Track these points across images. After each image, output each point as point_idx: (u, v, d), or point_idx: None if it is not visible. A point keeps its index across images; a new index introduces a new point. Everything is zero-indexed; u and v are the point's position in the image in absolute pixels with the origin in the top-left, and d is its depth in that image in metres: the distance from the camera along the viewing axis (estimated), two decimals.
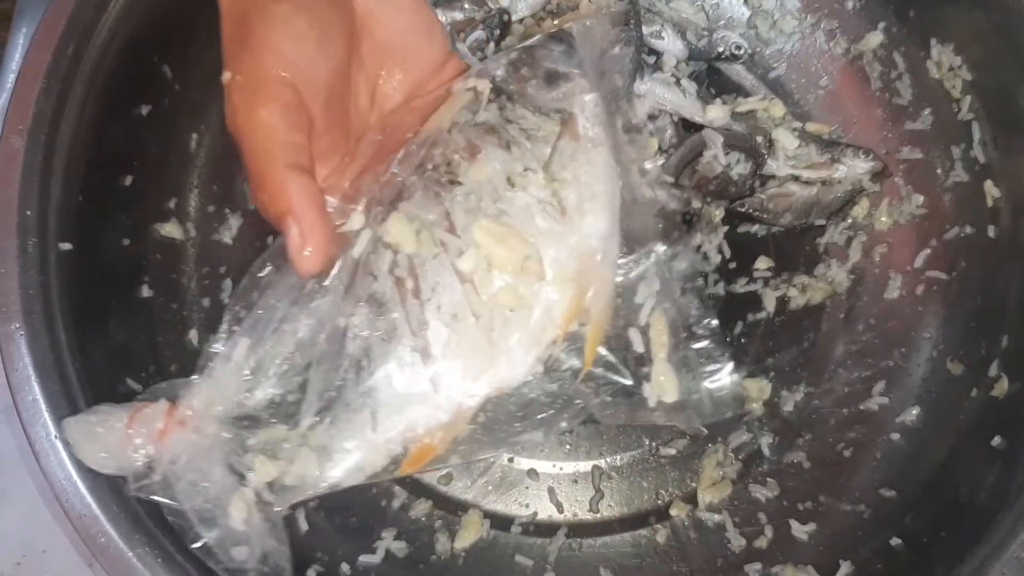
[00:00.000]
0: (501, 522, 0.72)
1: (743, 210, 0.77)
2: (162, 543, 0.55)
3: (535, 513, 0.72)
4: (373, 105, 0.58)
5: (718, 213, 0.77)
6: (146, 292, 0.70)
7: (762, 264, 0.77)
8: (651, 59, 0.79)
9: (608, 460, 0.74)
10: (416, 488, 0.72)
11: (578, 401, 0.56)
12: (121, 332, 0.67)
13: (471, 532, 0.70)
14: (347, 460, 0.52)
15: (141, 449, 0.51)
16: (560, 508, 0.73)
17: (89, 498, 0.54)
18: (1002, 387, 0.68)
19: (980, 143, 0.74)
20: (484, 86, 0.57)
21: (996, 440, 0.65)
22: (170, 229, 0.73)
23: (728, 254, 0.77)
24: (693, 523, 0.72)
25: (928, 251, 0.77)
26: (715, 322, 0.57)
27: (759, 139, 0.76)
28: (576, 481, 0.74)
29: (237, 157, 0.50)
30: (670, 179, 0.76)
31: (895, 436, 0.73)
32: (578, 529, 0.72)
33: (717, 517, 0.72)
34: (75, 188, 0.62)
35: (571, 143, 0.56)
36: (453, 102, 0.57)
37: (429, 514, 0.72)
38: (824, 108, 0.82)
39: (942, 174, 0.77)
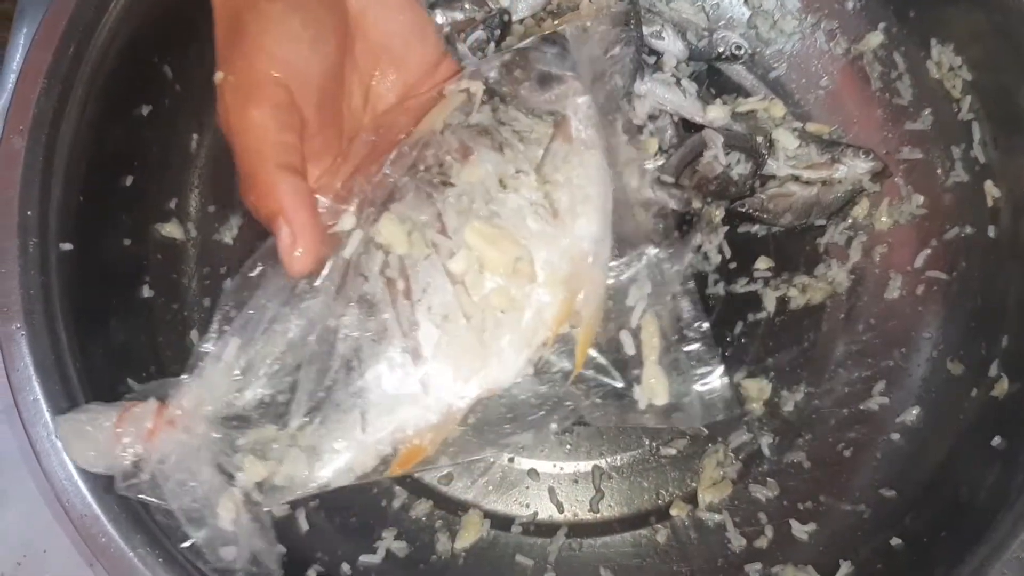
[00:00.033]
0: (501, 522, 0.72)
1: (743, 210, 0.77)
2: (163, 543, 0.55)
3: (535, 513, 0.73)
4: (366, 106, 0.58)
5: (718, 213, 0.77)
6: (147, 292, 0.70)
7: (762, 264, 0.77)
8: (651, 59, 0.79)
9: (608, 460, 0.74)
10: (417, 488, 0.72)
11: (568, 403, 0.56)
12: (122, 332, 0.67)
13: (471, 532, 0.70)
14: (336, 460, 0.52)
15: (129, 448, 0.50)
16: (560, 508, 0.73)
17: (90, 498, 0.54)
18: (1002, 387, 0.68)
19: (980, 143, 0.74)
20: (477, 88, 0.57)
21: (996, 440, 0.65)
22: (171, 229, 0.73)
23: (728, 254, 0.77)
24: (693, 523, 0.72)
25: (928, 251, 0.77)
26: (706, 325, 0.58)
27: (759, 139, 0.76)
28: (576, 481, 0.74)
29: None
30: (670, 179, 0.76)
31: (895, 436, 0.73)
32: (578, 529, 0.72)
33: (717, 517, 0.72)
34: (76, 188, 0.62)
35: (564, 145, 0.56)
36: (446, 103, 0.57)
37: (429, 514, 0.72)
38: (824, 108, 0.82)
39: (942, 174, 0.77)
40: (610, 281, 0.56)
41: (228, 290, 0.54)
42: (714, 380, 0.58)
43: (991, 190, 0.74)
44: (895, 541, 0.66)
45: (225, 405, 0.52)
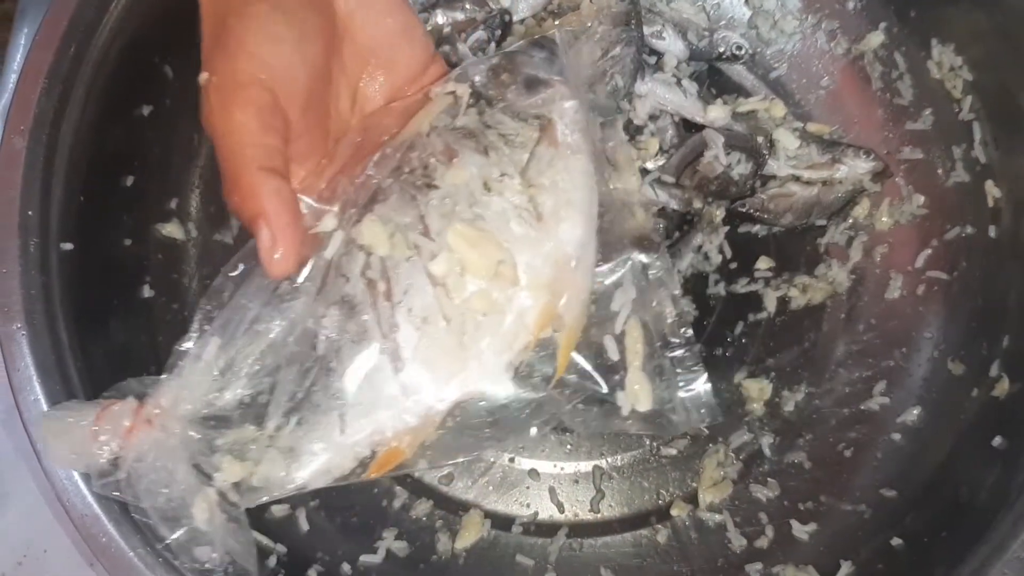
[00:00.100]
0: (502, 522, 0.72)
1: (744, 210, 0.77)
2: None
3: (536, 513, 0.73)
4: (354, 108, 0.57)
5: (719, 213, 0.77)
6: (147, 292, 0.70)
7: (763, 264, 0.77)
8: (652, 59, 0.79)
9: (609, 460, 0.74)
10: (417, 488, 0.72)
11: (549, 408, 0.55)
12: (122, 332, 0.67)
13: (472, 532, 0.70)
14: (314, 462, 0.52)
15: (106, 446, 0.50)
16: (561, 508, 0.73)
17: (90, 498, 0.54)
18: (1003, 387, 0.68)
19: (981, 143, 0.74)
20: (463, 90, 0.57)
21: (997, 440, 0.65)
22: (171, 229, 0.73)
23: (729, 254, 0.77)
24: (694, 523, 0.72)
25: (929, 251, 0.77)
26: (690, 332, 0.57)
27: (760, 139, 0.76)
28: (577, 481, 0.74)
29: None
30: (671, 179, 0.76)
31: (896, 436, 0.73)
32: (579, 529, 0.72)
33: (718, 517, 0.72)
34: (76, 188, 0.62)
35: (549, 149, 0.55)
36: (432, 106, 0.57)
37: (430, 514, 0.72)
38: (825, 108, 0.82)
39: (943, 174, 0.77)
40: (595, 286, 0.56)
41: (209, 290, 0.53)
42: (698, 387, 0.57)
43: (992, 190, 0.74)
44: (896, 541, 0.66)
45: (204, 405, 0.51)
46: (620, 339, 0.56)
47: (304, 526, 0.68)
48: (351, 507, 0.71)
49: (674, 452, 0.74)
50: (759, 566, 0.69)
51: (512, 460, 0.73)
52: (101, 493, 0.52)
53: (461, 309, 0.51)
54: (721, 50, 0.80)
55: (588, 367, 0.56)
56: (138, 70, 0.67)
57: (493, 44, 0.76)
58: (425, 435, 0.53)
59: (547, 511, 0.73)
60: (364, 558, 0.68)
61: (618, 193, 0.58)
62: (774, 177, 0.77)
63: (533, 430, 0.55)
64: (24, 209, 0.58)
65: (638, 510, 0.73)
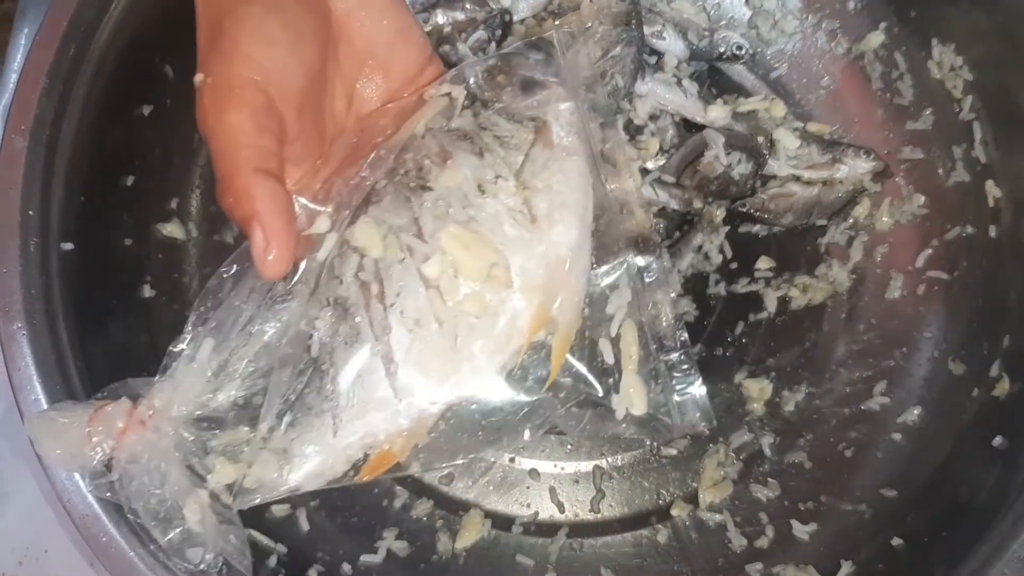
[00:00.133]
0: (502, 522, 0.72)
1: (744, 210, 0.77)
2: None
3: (536, 513, 0.73)
4: (350, 109, 0.57)
5: (719, 213, 0.77)
6: (148, 292, 0.70)
7: (763, 264, 0.77)
8: (652, 59, 0.79)
9: (609, 460, 0.74)
10: (418, 488, 0.72)
11: (543, 411, 0.55)
12: (122, 332, 0.67)
13: (472, 532, 0.70)
14: (307, 464, 0.52)
15: (99, 448, 0.50)
16: (561, 508, 0.73)
17: (91, 498, 0.54)
18: (1003, 387, 0.68)
19: (981, 143, 0.74)
20: (459, 92, 0.57)
21: (997, 440, 0.65)
22: (172, 229, 0.73)
23: (729, 254, 0.77)
24: (694, 523, 0.72)
25: (929, 251, 0.77)
26: (685, 335, 0.57)
27: (760, 139, 0.76)
28: (577, 481, 0.74)
29: None
30: (671, 179, 0.76)
31: (896, 436, 0.73)
32: (579, 529, 0.72)
33: (718, 517, 0.72)
34: (77, 188, 0.62)
35: (544, 151, 0.55)
36: (427, 107, 0.57)
37: (430, 514, 0.72)
38: (825, 108, 0.82)
39: (943, 174, 0.77)
40: (590, 288, 0.56)
41: (203, 291, 0.53)
42: (693, 390, 0.57)
43: (992, 190, 0.74)
44: (896, 541, 0.66)
45: (198, 406, 0.51)
46: (615, 342, 0.56)
47: (304, 526, 0.68)
48: (352, 507, 0.71)
49: (674, 452, 0.74)
50: (759, 566, 0.69)
51: (512, 460, 0.73)
52: (95, 495, 0.52)
53: (454, 311, 0.51)
54: (721, 50, 0.80)
55: (583, 370, 0.55)
56: (139, 70, 0.67)
57: (493, 44, 0.76)
58: (418, 438, 0.53)
59: (547, 511, 0.73)
60: (364, 558, 0.68)
61: (616, 193, 0.58)
62: (774, 177, 0.77)
63: (527, 433, 0.55)
64: (24, 209, 0.58)
65: (638, 510, 0.73)
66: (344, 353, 0.51)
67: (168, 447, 0.50)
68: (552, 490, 0.73)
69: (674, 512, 0.72)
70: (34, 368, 0.57)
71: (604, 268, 0.56)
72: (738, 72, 0.83)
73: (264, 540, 0.65)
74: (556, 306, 0.53)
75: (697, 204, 0.76)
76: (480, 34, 0.75)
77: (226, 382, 0.52)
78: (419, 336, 0.51)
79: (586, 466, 0.74)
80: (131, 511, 0.51)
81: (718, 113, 0.76)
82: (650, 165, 0.76)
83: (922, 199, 0.78)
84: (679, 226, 0.78)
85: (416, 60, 0.58)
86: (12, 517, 0.70)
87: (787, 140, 0.76)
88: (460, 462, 0.55)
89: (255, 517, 0.65)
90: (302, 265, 0.53)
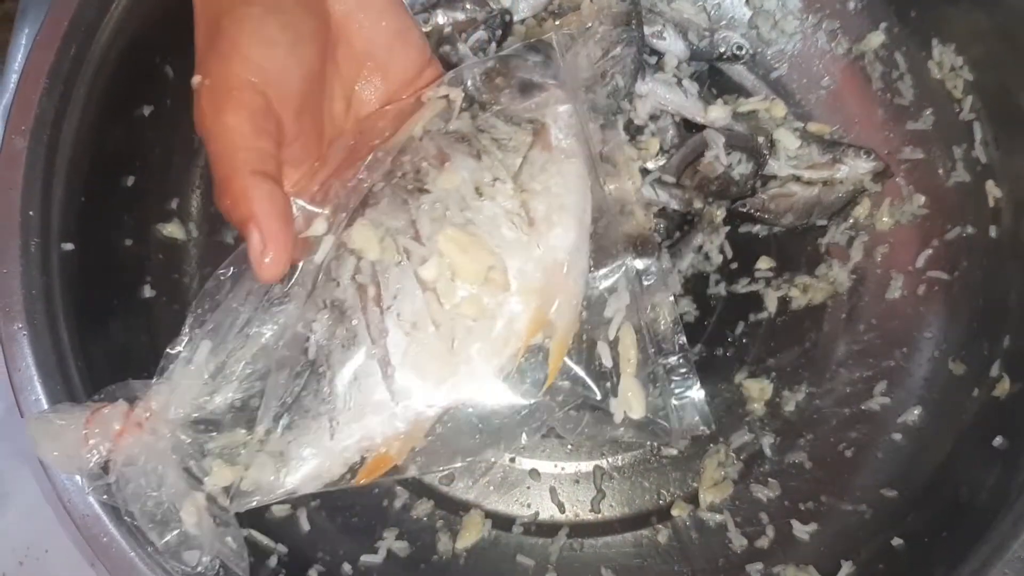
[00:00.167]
0: (503, 522, 0.72)
1: (745, 210, 0.77)
2: None
3: (537, 513, 0.73)
4: (349, 111, 0.57)
5: (720, 213, 0.77)
6: (148, 292, 0.70)
7: (764, 264, 0.77)
8: (653, 59, 0.79)
9: (610, 460, 0.74)
10: (418, 488, 0.72)
11: (540, 414, 0.55)
12: (123, 332, 0.67)
13: (473, 532, 0.70)
14: (304, 467, 0.51)
15: (96, 450, 0.49)
16: (562, 508, 0.73)
17: (91, 498, 0.54)
18: (1004, 387, 0.68)
19: (982, 143, 0.74)
20: (456, 94, 0.56)
21: (997, 440, 0.65)
22: (172, 229, 0.73)
23: (730, 254, 0.77)
24: (695, 523, 0.72)
25: (929, 251, 0.77)
26: (684, 339, 0.57)
27: (761, 139, 0.76)
28: (578, 481, 0.74)
29: None
30: (672, 179, 0.76)
31: (897, 436, 0.73)
32: (580, 529, 0.72)
33: (719, 517, 0.72)
34: (77, 188, 0.62)
35: (542, 154, 0.55)
36: (425, 109, 0.56)
37: (431, 514, 0.72)
38: (825, 108, 0.82)
39: (943, 174, 0.77)
40: (588, 291, 0.56)
41: (201, 293, 0.53)
42: (691, 394, 0.57)
43: (992, 190, 0.74)
44: (896, 541, 0.66)
45: (195, 408, 0.51)
46: (613, 345, 0.56)
47: (305, 526, 0.68)
48: (352, 507, 0.71)
49: (675, 452, 0.74)
50: (760, 566, 0.69)
51: (513, 460, 0.73)
52: (94, 497, 0.52)
53: (451, 314, 0.51)
54: (722, 50, 0.80)
55: (581, 373, 0.55)
56: (139, 70, 0.67)
57: (494, 44, 0.76)
58: (415, 441, 0.53)
59: (548, 511, 0.73)
60: (365, 558, 0.68)
61: (616, 194, 0.58)
62: (775, 177, 0.77)
63: (524, 437, 0.55)
64: (25, 209, 0.58)
65: (639, 510, 0.73)
66: (341, 356, 0.51)
67: (165, 449, 0.50)
68: (552, 490, 0.73)
69: (674, 512, 0.72)
70: (35, 368, 0.57)
71: (602, 271, 0.56)
72: (738, 72, 0.83)
73: (264, 540, 0.65)
74: (554, 309, 0.53)
75: (697, 204, 0.76)
76: (480, 34, 0.75)
77: (223, 384, 0.51)
78: (416, 339, 0.51)
79: (586, 466, 0.74)
80: (128, 513, 0.50)
81: (718, 113, 0.76)
82: (650, 165, 0.76)
83: (922, 199, 0.78)
84: (679, 226, 0.78)
85: (415, 62, 0.58)
86: (13, 517, 0.70)
87: (787, 140, 0.76)
88: (458, 465, 0.55)
89: (255, 517, 0.65)
90: (299, 267, 0.52)
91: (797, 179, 0.77)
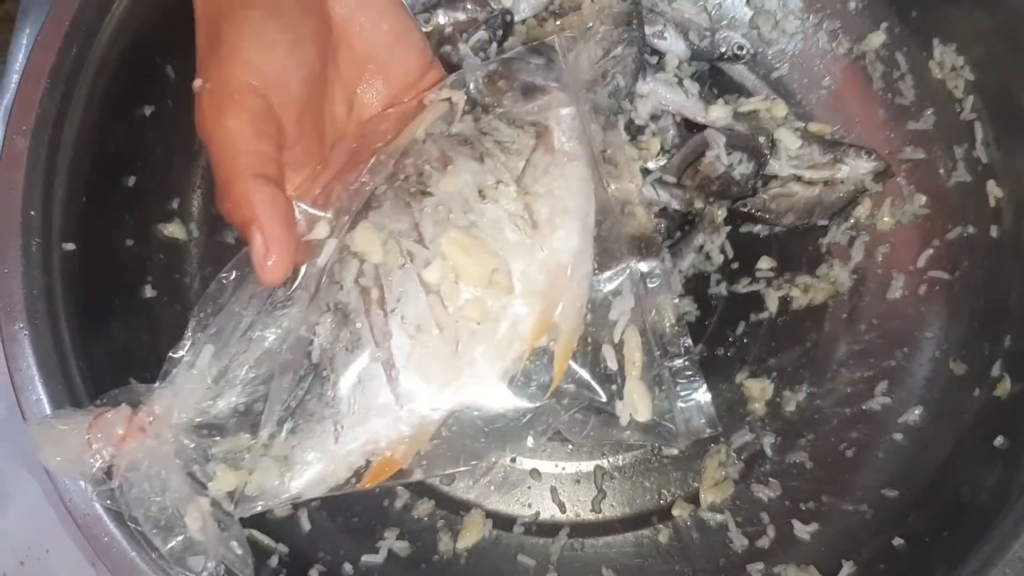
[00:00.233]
0: (503, 522, 0.72)
1: (745, 210, 0.77)
2: None
3: (537, 513, 0.73)
4: (351, 114, 0.57)
5: (720, 213, 0.77)
6: (149, 292, 0.70)
7: (764, 264, 0.77)
8: (653, 59, 0.79)
9: (610, 460, 0.74)
10: (419, 488, 0.72)
11: (546, 417, 0.55)
12: (124, 332, 0.67)
13: (473, 532, 0.70)
14: (308, 471, 0.51)
15: (99, 455, 0.49)
16: (562, 508, 0.73)
17: (93, 498, 0.54)
18: (1005, 387, 0.68)
19: (983, 143, 0.74)
20: (459, 97, 0.56)
21: (998, 440, 0.65)
22: (173, 229, 0.73)
23: (731, 254, 0.77)
24: (695, 523, 0.72)
25: (930, 251, 0.77)
26: (689, 341, 0.57)
27: (761, 139, 0.76)
28: (578, 481, 0.74)
29: None
30: (673, 179, 0.76)
31: (898, 436, 0.73)
32: (580, 529, 0.72)
33: (719, 517, 0.72)
34: (79, 188, 0.62)
35: (546, 156, 0.55)
36: (428, 112, 0.56)
37: (431, 514, 0.72)
38: (826, 108, 0.82)
39: (944, 174, 0.77)
40: (592, 294, 0.56)
41: (203, 297, 0.53)
42: (697, 396, 0.57)
43: (993, 190, 0.74)
44: (897, 541, 0.66)
45: (198, 413, 0.51)
46: (618, 348, 0.56)
47: (306, 526, 0.68)
48: (353, 507, 0.71)
49: (675, 452, 0.74)
50: (760, 566, 0.69)
51: (514, 460, 0.73)
52: (97, 502, 0.52)
53: (455, 317, 0.51)
54: (723, 50, 0.80)
55: (586, 376, 0.55)
56: (140, 70, 0.67)
57: (495, 44, 0.76)
58: (420, 445, 0.53)
59: (549, 511, 0.73)
60: (366, 558, 0.68)
61: (618, 194, 0.58)
62: (776, 177, 0.77)
63: (530, 439, 0.55)
64: (26, 209, 0.58)
65: (640, 510, 0.73)
66: (345, 359, 0.51)
67: (168, 454, 0.50)
68: (553, 490, 0.73)
69: (675, 512, 0.72)
70: (36, 368, 0.57)
71: (607, 274, 0.56)
72: (739, 72, 0.83)
73: (265, 540, 0.65)
74: (558, 312, 0.53)
75: (698, 204, 0.76)
76: (481, 34, 0.75)
77: (226, 388, 0.51)
78: (420, 342, 0.51)
79: (587, 466, 0.74)
80: (131, 519, 0.50)
81: (719, 113, 0.76)
82: (651, 165, 0.76)
83: (923, 199, 0.78)
84: (680, 226, 0.78)
85: (416, 65, 0.58)
86: (13, 517, 0.70)
87: (788, 140, 0.76)
88: (463, 468, 0.55)
89: (256, 517, 0.64)
90: (302, 271, 0.52)
91: (798, 179, 0.77)
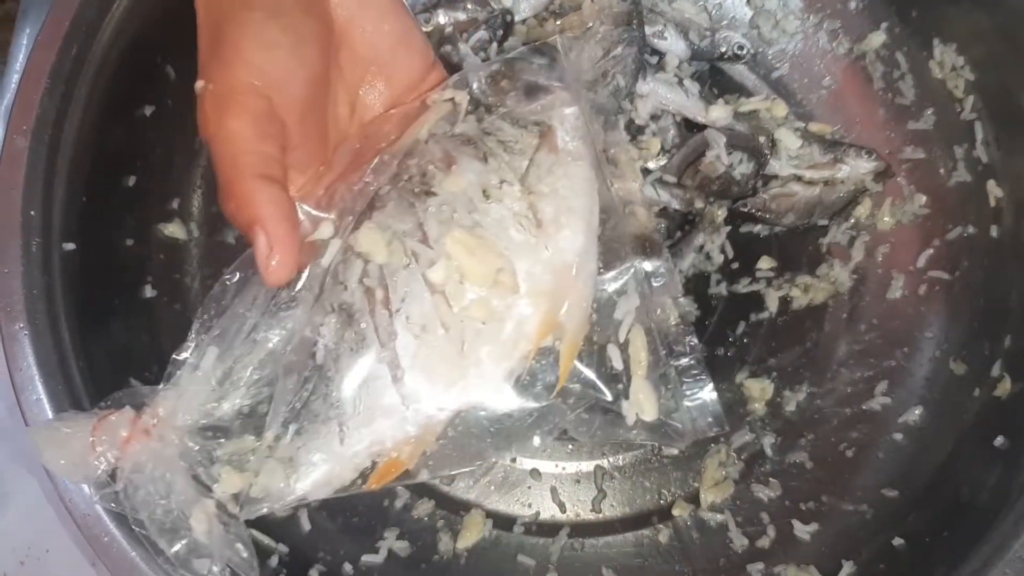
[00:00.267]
0: (503, 522, 0.72)
1: (746, 210, 0.77)
2: None
3: (537, 513, 0.73)
4: (353, 115, 0.57)
5: (721, 213, 0.77)
6: (149, 292, 0.70)
7: (765, 264, 0.77)
8: (654, 59, 0.79)
9: (611, 460, 0.74)
10: (419, 488, 0.72)
11: (552, 417, 0.55)
12: (124, 332, 0.67)
13: (473, 532, 0.70)
14: (314, 473, 0.51)
15: (103, 457, 0.49)
16: (563, 508, 0.73)
17: (93, 498, 0.54)
18: (1005, 387, 0.68)
19: (983, 143, 0.74)
20: (462, 97, 0.56)
21: (998, 440, 0.65)
22: (173, 229, 0.73)
23: (731, 254, 0.77)
24: (695, 523, 0.72)
25: (931, 251, 0.77)
26: (695, 340, 0.57)
27: (762, 139, 0.76)
28: (579, 481, 0.74)
29: None
30: (673, 179, 0.76)
31: (898, 436, 0.73)
32: (580, 529, 0.72)
33: (719, 517, 0.72)
34: (79, 188, 0.62)
35: (549, 156, 0.55)
36: (431, 113, 0.56)
37: (432, 514, 0.72)
38: (827, 108, 0.82)
39: (945, 174, 0.77)
40: (597, 294, 0.55)
41: (207, 299, 0.53)
42: (704, 395, 0.57)
43: (994, 190, 0.74)
44: (897, 541, 0.66)
45: (203, 415, 0.51)
46: (624, 347, 0.55)
47: (306, 526, 0.68)
48: (353, 507, 0.71)
49: (675, 452, 0.74)
50: (761, 566, 0.69)
51: (514, 460, 0.73)
52: (100, 505, 0.52)
53: (460, 317, 0.51)
54: (723, 50, 0.80)
55: (592, 376, 0.55)
56: (140, 70, 0.67)
57: (495, 44, 0.76)
58: (426, 445, 0.53)
59: (549, 511, 0.73)
60: (366, 558, 0.68)
61: (621, 194, 0.58)
62: (776, 177, 0.77)
63: (536, 439, 0.54)
64: (26, 209, 0.58)
65: (640, 510, 0.73)
66: (350, 360, 0.51)
67: (173, 456, 0.50)
68: (553, 490, 0.73)
69: (675, 512, 0.72)
70: (36, 368, 0.57)
71: (612, 273, 0.56)
72: (739, 72, 0.83)
73: (265, 540, 0.65)
74: (564, 311, 0.53)
75: (698, 204, 0.76)
76: (482, 34, 0.75)
77: (231, 390, 0.51)
78: (425, 342, 0.50)
79: (587, 466, 0.74)
80: (136, 522, 0.50)
81: (719, 113, 0.76)
82: (651, 165, 0.76)
83: (923, 199, 0.78)
84: (680, 226, 0.78)
85: (418, 66, 0.58)
86: (13, 517, 0.70)
87: (788, 140, 0.76)
88: (469, 468, 0.55)
89: (257, 517, 0.65)
90: (306, 271, 0.52)
91: (798, 179, 0.77)
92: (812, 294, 0.77)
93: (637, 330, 0.56)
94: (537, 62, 0.58)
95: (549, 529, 0.72)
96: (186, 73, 0.70)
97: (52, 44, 0.60)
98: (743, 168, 0.75)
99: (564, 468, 0.74)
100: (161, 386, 0.51)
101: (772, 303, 0.77)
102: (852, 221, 0.79)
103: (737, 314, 0.77)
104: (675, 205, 0.76)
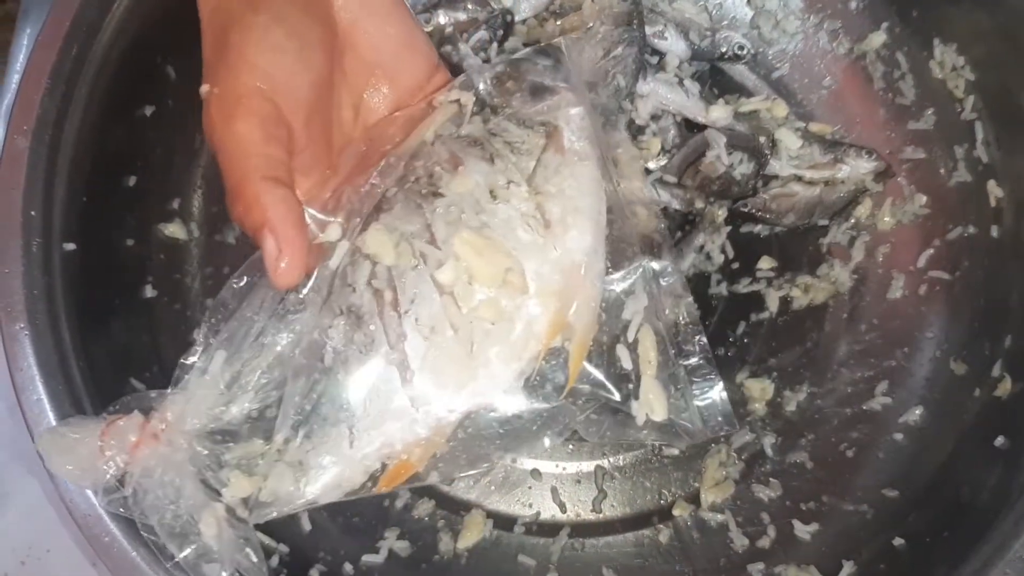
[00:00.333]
0: (504, 522, 0.72)
1: (746, 210, 0.77)
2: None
3: (538, 513, 0.73)
4: (358, 119, 0.57)
5: (721, 213, 0.77)
6: (149, 292, 0.70)
7: (765, 264, 0.77)
8: (654, 59, 0.79)
9: (611, 460, 0.74)
10: (419, 488, 0.72)
11: (562, 418, 0.55)
12: (124, 332, 0.67)
13: (474, 532, 0.70)
14: (324, 476, 0.51)
15: (112, 462, 0.49)
16: (563, 508, 0.73)
17: (93, 498, 0.54)
18: (1005, 387, 0.68)
19: (983, 143, 0.74)
20: (468, 99, 0.56)
21: (999, 440, 0.65)
22: (174, 229, 0.73)
23: (731, 254, 0.77)
24: (696, 523, 0.72)
25: (931, 251, 0.77)
26: (704, 339, 0.57)
27: (762, 139, 0.76)
28: (579, 481, 0.74)
29: None
30: (673, 179, 0.76)
31: (898, 436, 0.73)
32: (581, 529, 0.72)
33: (720, 517, 0.72)
34: (79, 188, 0.62)
35: (556, 156, 0.55)
36: (437, 114, 0.56)
37: (432, 514, 0.72)
38: (827, 108, 0.82)
39: (945, 174, 0.77)
40: (605, 293, 0.55)
41: (214, 302, 0.53)
42: (713, 395, 0.57)
43: (994, 190, 0.74)
44: (898, 541, 0.66)
45: (211, 419, 0.51)
46: (633, 347, 0.56)
47: (306, 526, 0.68)
48: (353, 507, 0.71)
49: (676, 452, 0.74)
50: (761, 566, 0.69)
51: (514, 460, 0.73)
52: (108, 510, 0.52)
53: (469, 318, 0.51)
54: (723, 50, 0.80)
55: (601, 376, 0.55)
56: (140, 70, 0.67)
57: (495, 44, 0.76)
58: (436, 447, 0.52)
59: (549, 511, 0.73)
60: (366, 558, 0.68)
61: (627, 194, 0.58)
62: (776, 177, 0.77)
63: (546, 440, 0.54)
64: (27, 209, 0.58)
65: (640, 510, 0.73)
66: (359, 362, 0.51)
67: (182, 461, 0.50)
68: (554, 490, 0.73)
69: (676, 512, 0.72)
70: (36, 368, 0.57)
71: (619, 273, 0.56)
72: (740, 72, 0.83)
73: (266, 540, 0.65)
74: (572, 311, 0.53)
75: (699, 204, 0.76)
76: (482, 34, 0.75)
77: (239, 394, 0.51)
78: (434, 343, 0.50)
79: (588, 466, 0.74)
80: (145, 527, 0.50)
81: (720, 113, 0.76)
82: (652, 165, 0.76)
83: (924, 199, 0.78)
84: (681, 226, 0.78)
85: (422, 69, 0.58)
86: (14, 517, 0.70)
87: (789, 140, 0.76)
88: (479, 470, 0.55)
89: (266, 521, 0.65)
90: (314, 274, 0.52)
91: (799, 179, 0.77)
92: (812, 294, 0.77)
93: (646, 330, 0.56)
94: (542, 63, 0.58)
95: (550, 529, 0.72)
96: (186, 73, 0.70)
97: (52, 44, 0.60)
98: (743, 168, 0.75)
99: (565, 468, 0.74)
100: (169, 390, 0.51)
101: (772, 303, 0.77)
102: (852, 221, 0.79)
103: (737, 314, 0.77)
104: (675, 205, 0.76)
